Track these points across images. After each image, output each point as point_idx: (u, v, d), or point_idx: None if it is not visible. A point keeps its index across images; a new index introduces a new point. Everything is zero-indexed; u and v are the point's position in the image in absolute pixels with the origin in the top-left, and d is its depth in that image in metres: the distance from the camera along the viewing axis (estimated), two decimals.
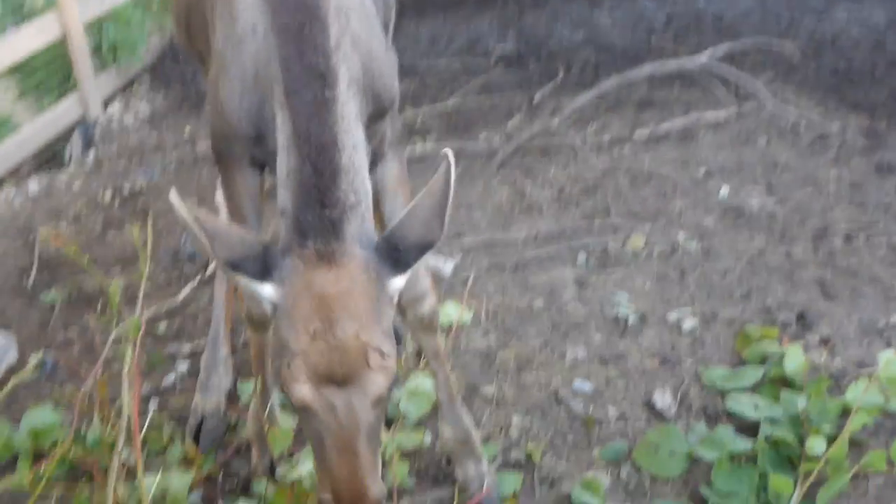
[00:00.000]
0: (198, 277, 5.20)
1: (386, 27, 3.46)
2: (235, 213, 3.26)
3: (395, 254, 2.45)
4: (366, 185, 2.52)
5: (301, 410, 2.42)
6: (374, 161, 3.14)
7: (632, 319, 4.56)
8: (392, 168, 3.26)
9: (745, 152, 6.21)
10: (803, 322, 4.47)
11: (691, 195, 5.67)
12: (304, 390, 2.36)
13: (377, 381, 2.38)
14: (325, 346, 2.33)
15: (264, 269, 2.40)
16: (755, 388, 3.98)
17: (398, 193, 3.31)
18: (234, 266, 2.39)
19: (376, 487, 2.45)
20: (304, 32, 2.51)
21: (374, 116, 3.00)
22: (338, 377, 2.35)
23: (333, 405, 2.36)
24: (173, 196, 2.36)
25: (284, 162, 2.48)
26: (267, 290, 2.41)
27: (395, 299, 2.51)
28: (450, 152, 2.50)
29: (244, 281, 2.41)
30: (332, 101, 2.48)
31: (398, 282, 2.47)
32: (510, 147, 6.35)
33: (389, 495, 3.44)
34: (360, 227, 2.44)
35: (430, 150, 6.51)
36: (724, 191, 5.75)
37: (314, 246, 2.38)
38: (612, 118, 6.89)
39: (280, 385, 2.43)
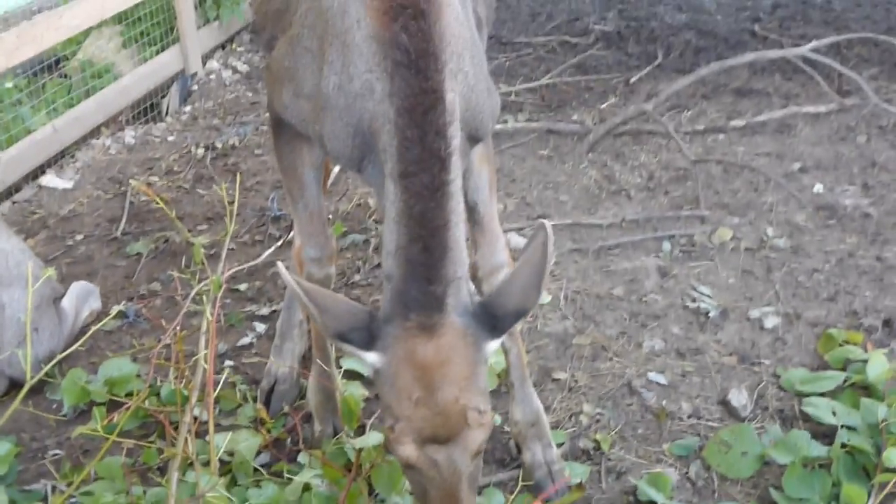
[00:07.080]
0: (281, 239, 5.25)
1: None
2: (294, 180, 3.42)
3: (493, 320, 2.55)
4: (465, 254, 2.59)
5: (405, 467, 2.57)
6: None
7: (713, 314, 4.49)
8: (479, 146, 3.23)
9: (842, 149, 6.05)
10: (890, 328, 4.36)
11: (784, 190, 5.54)
12: (408, 451, 2.49)
13: (476, 437, 2.51)
14: (427, 411, 2.46)
15: (370, 338, 2.51)
16: (835, 394, 3.89)
17: (483, 170, 3.34)
18: (342, 337, 2.51)
19: None
20: (427, 117, 2.49)
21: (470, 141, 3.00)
22: (440, 437, 2.48)
23: (436, 461, 2.50)
24: (282, 268, 2.51)
25: (394, 236, 2.52)
26: (371, 358, 2.52)
27: (489, 359, 2.62)
28: (547, 224, 2.62)
29: (350, 349, 2.53)
30: (447, 182, 2.50)
31: (494, 345, 2.58)
32: (602, 129, 6.24)
33: None
34: (458, 297, 2.52)
35: (521, 127, 6.46)
36: (818, 187, 5.61)
37: (417, 319, 2.47)
38: (709, 105, 6.78)
39: (385, 445, 2.59)
